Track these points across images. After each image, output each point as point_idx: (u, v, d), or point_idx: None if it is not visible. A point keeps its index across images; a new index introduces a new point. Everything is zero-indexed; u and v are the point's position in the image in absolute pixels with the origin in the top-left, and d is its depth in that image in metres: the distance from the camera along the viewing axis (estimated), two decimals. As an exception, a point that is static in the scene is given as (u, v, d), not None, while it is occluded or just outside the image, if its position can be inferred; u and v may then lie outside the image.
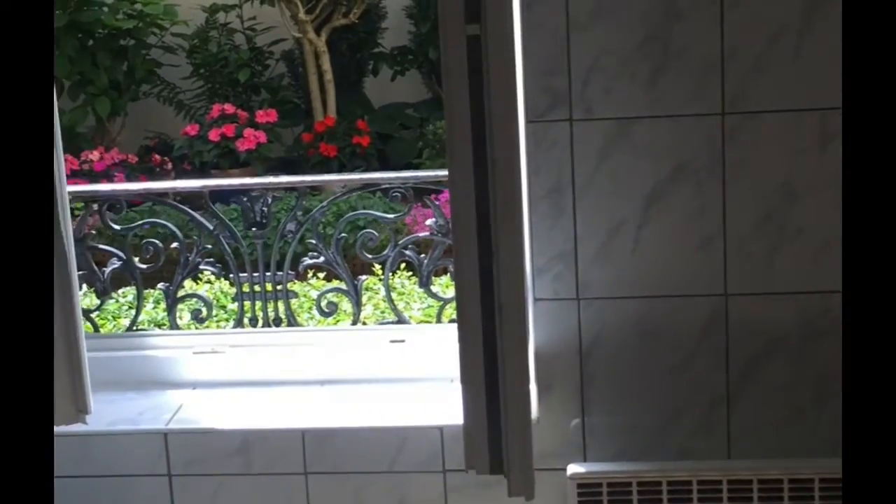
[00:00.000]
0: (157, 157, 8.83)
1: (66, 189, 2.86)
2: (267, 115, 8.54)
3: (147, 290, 4.85)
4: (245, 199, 3.56)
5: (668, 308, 2.78)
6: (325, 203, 3.58)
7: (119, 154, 8.73)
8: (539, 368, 2.84)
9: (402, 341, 3.20)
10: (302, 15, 8.50)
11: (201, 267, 3.60)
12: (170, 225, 3.59)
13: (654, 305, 2.78)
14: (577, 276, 2.78)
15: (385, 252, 3.58)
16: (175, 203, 3.61)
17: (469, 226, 2.37)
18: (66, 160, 8.43)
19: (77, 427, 2.86)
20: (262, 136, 8.39)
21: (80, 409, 2.80)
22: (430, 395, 3.04)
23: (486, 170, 2.35)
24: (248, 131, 8.35)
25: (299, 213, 3.58)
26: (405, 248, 3.56)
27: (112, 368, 3.18)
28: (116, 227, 3.57)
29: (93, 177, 8.34)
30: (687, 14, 2.65)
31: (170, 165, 8.82)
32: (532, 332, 2.81)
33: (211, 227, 3.60)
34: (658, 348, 2.79)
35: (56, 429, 2.87)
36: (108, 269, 3.57)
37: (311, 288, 5.14)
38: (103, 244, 3.61)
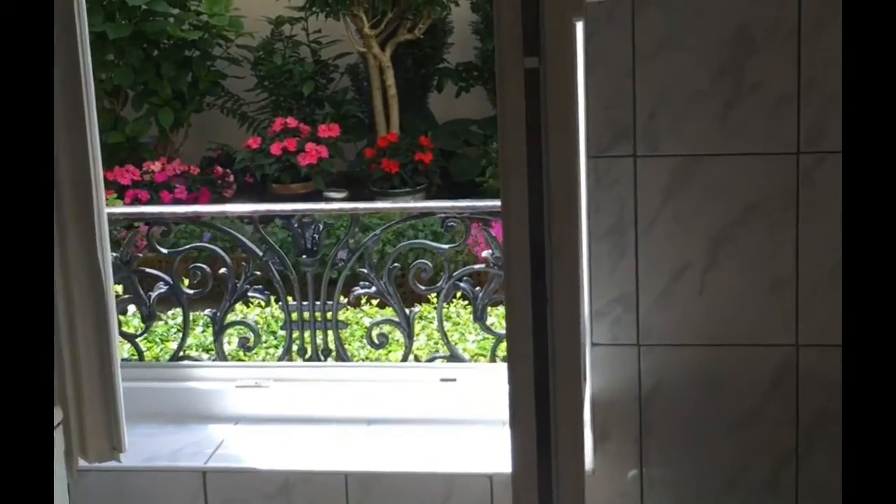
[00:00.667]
0: (220, 168, 8.77)
1: (105, 209, 2.77)
2: (329, 130, 8.44)
3: (195, 312, 4.75)
4: (296, 224, 3.44)
5: (735, 357, 2.62)
6: (378, 232, 3.46)
7: (181, 165, 8.67)
8: (595, 416, 2.69)
9: (454, 380, 3.06)
10: (367, 29, 8.40)
11: (249, 294, 3.49)
12: (218, 249, 3.48)
13: (720, 354, 2.62)
14: (637, 320, 2.63)
15: (439, 283, 3.44)
16: (224, 227, 3.50)
17: (523, 264, 2.23)
18: (127, 170, 8.39)
19: (112, 462, 2.76)
20: (324, 151, 8.29)
21: (115, 447, 2.70)
22: (480, 440, 2.90)
23: (542, 206, 2.21)
24: (309, 146, 8.26)
25: (351, 240, 3.45)
26: (460, 279, 3.42)
27: (153, 399, 3.08)
28: (164, 250, 3.46)
29: (153, 188, 8.30)
30: (762, 46, 2.50)
31: (231, 178, 8.75)
32: (589, 378, 2.67)
33: (260, 253, 3.48)
34: (722, 400, 2.63)
35: (90, 464, 2.78)
36: (154, 294, 3.47)
37: (364, 314, 5.01)
38: (150, 267, 3.50)
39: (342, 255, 3.49)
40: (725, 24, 2.52)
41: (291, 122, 8.45)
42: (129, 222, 3.55)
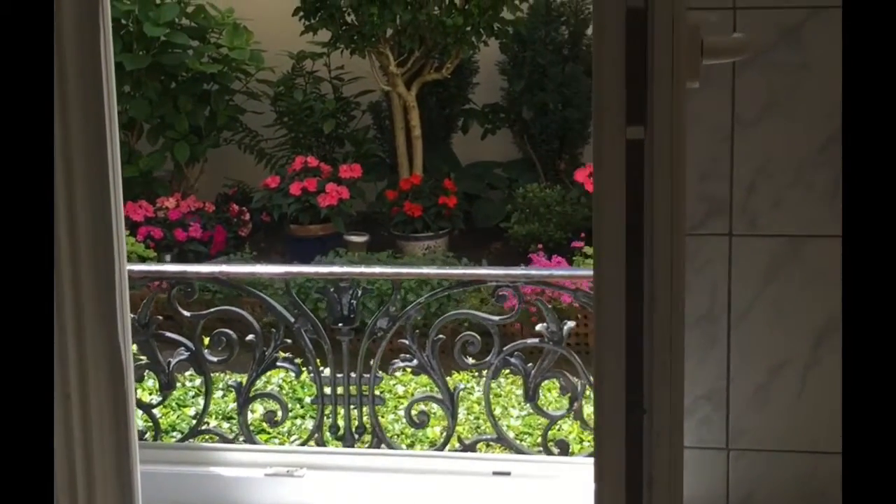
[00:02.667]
0: (235, 206, 8.48)
1: (126, 265, 2.46)
2: (351, 171, 8.14)
3: (215, 374, 4.43)
4: (332, 289, 3.13)
5: (838, 468, 2.29)
6: (421, 299, 3.15)
7: (196, 202, 8.38)
8: (676, 529, 2.37)
9: (508, 474, 2.74)
10: (393, 68, 8.11)
11: (279, 364, 3.18)
12: (245, 314, 3.17)
13: (821, 463, 2.31)
14: (727, 421, 2.33)
15: (487, 358, 3.13)
16: (254, 290, 3.19)
17: (617, 364, 1.91)
18: (140, 206, 8.10)
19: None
20: (345, 192, 7.99)
21: (130, 549, 2.37)
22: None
23: (641, 287, 1.90)
24: (330, 186, 7.96)
25: (392, 308, 3.15)
26: (510, 354, 3.11)
27: (170, 487, 2.76)
28: (186, 313, 3.16)
29: (167, 225, 8.00)
30: (883, 116, 2.19)
31: (247, 216, 8.45)
32: (670, 485, 2.34)
33: (292, 319, 3.17)
34: (824, 516, 2.31)
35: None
36: (174, 361, 3.16)
37: (397, 381, 4.64)
38: (169, 329, 3.20)
39: (382, 323, 3.17)
40: (836, 87, 2.22)
41: (312, 160, 8.16)
42: (148, 281, 3.23)
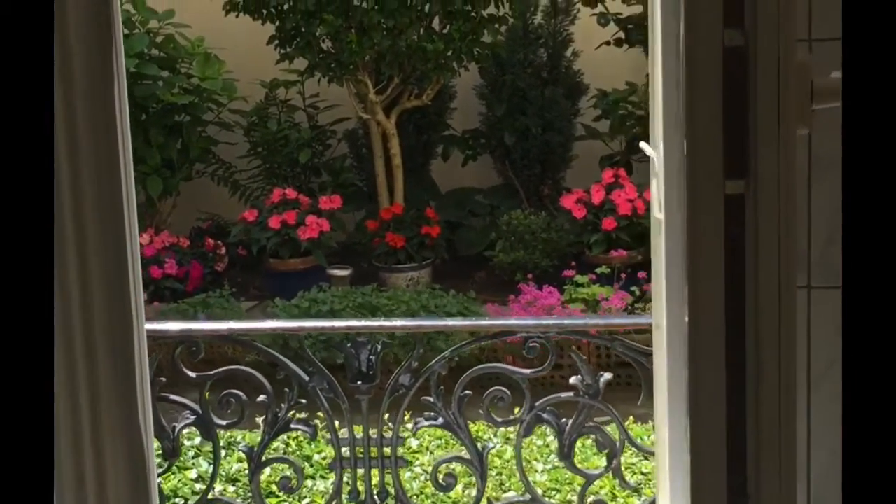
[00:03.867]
0: (211, 241, 8.22)
1: (144, 325, 2.23)
2: (331, 202, 7.91)
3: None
4: (349, 344, 2.91)
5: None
6: (446, 353, 2.93)
7: (170, 237, 8.12)
8: None
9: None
10: (372, 95, 7.89)
11: (293, 426, 2.95)
12: (256, 374, 2.95)
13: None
14: (809, 495, 2.11)
15: (519, 413, 2.92)
16: (264, 347, 2.96)
17: (717, 436, 1.71)
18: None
19: None
20: (326, 224, 7.75)
21: None
22: None
23: (741, 355, 1.70)
24: (310, 218, 7.72)
25: (415, 363, 2.93)
26: (543, 410, 2.90)
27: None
28: (192, 374, 2.92)
29: (142, 263, 7.72)
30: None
31: (223, 250, 8.20)
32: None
33: (306, 378, 2.95)
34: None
35: None
36: (179, 426, 2.93)
37: (413, 435, 4.36)
38: (174, 393, 2.96)
39: (404, 379, 2.95)
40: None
41: (290, 192, 7.93)
42: (152, 341, 2.99)
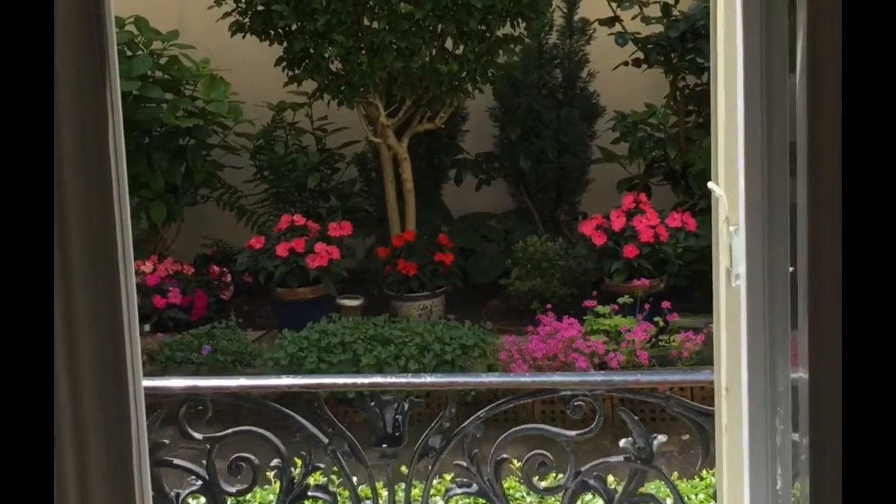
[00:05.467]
0: (216, 268, 7.95)
1: (142, 382, 1.95)
2: (341, 229, 7.63)
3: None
4: (373, 403, 2.63)
5: None
6: (482, 413, 2.64)
7: (173, 264, 7.85)
8: None
9: None
10: (383, 118, 7.62)
11: (310, 493, 2.66)
12: (270, 436, 2.67)
13: None
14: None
15: (562, 480, 2.63)
16: (278, 406, 2.68)
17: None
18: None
19: None
20: (336, 252, 7.47)
21: None
22: None
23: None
24: (319, 246, 7.44)
25: (447, 423, 2.64)
26: (589, 475, 2.61)
27: None
28: (198, 436, 2.64)
29: (144, 291, 7.44)
30: None
31: (229, 278, 7.93)
32: None
33: (326, 441, 2.66)
34: None
35: None
36: (184, 492, 2.64)
37: (435, 491, 4.06)
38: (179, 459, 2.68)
39: (434, 441, 2.67)
40: None
41: (298, 219, 7.65)
42: (152, 399, 2.71)
